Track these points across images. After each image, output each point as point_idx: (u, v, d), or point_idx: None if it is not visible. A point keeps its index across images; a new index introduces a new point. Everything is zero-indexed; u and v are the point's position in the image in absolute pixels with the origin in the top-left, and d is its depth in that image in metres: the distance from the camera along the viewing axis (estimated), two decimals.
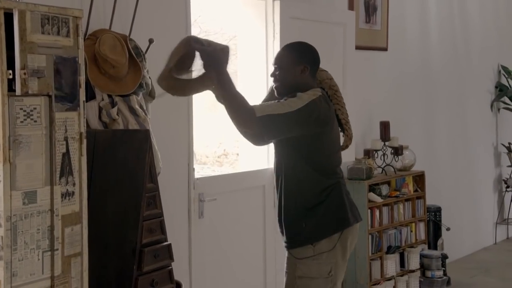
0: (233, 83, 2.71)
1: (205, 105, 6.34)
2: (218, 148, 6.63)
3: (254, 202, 4.18)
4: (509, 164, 6.94)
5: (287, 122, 2.68)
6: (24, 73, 2.07)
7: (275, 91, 2.91)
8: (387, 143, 5.06)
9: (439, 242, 5.51)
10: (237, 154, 5.03)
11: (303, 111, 2.68)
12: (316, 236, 2.77)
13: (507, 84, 7.07)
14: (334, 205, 2.80)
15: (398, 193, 5.05)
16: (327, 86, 2.94)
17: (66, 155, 2.22)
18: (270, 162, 4.25)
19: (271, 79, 4.24)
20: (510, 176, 6.93)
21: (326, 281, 2.77)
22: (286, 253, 2.89)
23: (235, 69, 4.75)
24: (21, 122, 2.08)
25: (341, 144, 2.98)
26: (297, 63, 2.83)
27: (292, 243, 2.83)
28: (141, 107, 3.04)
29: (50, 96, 2.16)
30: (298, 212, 2.81)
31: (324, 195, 2.79)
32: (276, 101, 2.80)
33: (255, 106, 2.71)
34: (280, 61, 2.88)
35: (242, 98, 2.69)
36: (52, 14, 2.18)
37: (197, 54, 2.69)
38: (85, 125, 2.32)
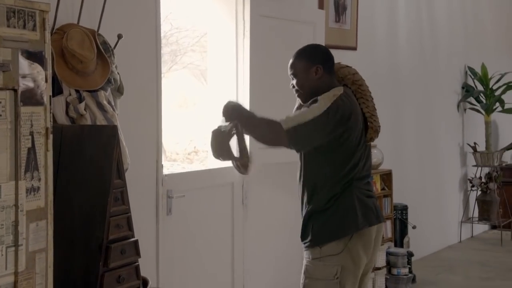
0: (254, 114, 2.83)
1: (176, 102, 6.32)
2: (189, 145, 6.62)
3: (223, 199, 4.19)
4: (475, 164, 7.07)
5: (313, 130, 2.72)
6: None
7: (299, 99, 2.94)
8: None
9: (405, 240, 5.59)
10: (207, 151, 5.03)
11: (326, 116, 2.71)
12: (322, 239, 2.79)
13: (473, 85, 7.19)
14: (342, 209, 2.79)
15: None
16: (349, 81, 2.95)
17: (32, 150, 2.20)
18: None
19: (241, 77, 4.32)
20: (475, 175, 7.05)
21: (331, 283, 2.76)
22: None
23: (205, 66, 4.74)
24: None
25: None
26: (309, 67, 2.87)
27: (304, 243, 2.87)
28: (109, 102, 3.02)
29: (15, 90, 2.14)
30: (310, 213, 2.84)
31: (334, 200, 2.80)
32: (301, 110, 2.82)
33: (281, 120, 2.74)
34: (293, 69, 2.91)
35: (267, 119, 2.77)
36: (18, 7, 2.15)
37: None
38: (52, 120, 2.30)
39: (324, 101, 2.75)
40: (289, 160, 4.59)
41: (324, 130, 2.74)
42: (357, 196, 2.82)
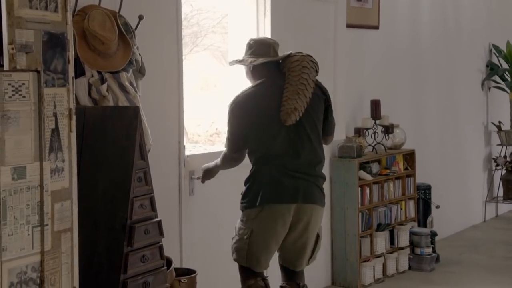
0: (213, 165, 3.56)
1: (197, 84, 6.32)
2: (210, 127, 6.62)
3: (244, 180, 4.19)
4: (499, 142, 6.99)
5: (235, 140, 3.29)
6: (12, 48, 2.06)
7: None
8: (377, 122, 5.08)
9: (429, 219, 5.56)
10: None
11: (230, 126, 3.29)
12: (242, 206, 3.30)
13: (498, 63, 7.09)
14: (256, 184, 3.23)
15: (388, 171, 5.08)
16: (286, 69, 3.26)
17: (55, 131, 2.22)
18: None
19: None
20: (499, 154, 6.98)
21: (243, 242, 3.27)
22: None
23: (226, 48, 4.73)
24: (10, 97, 2.07)
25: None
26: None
27: None
28: (131, 84, 3.04)
29: (38, 72, 2.15)
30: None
31: (253, 175, 3.26)
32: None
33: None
34: None
35: (222, 157, 3.46)
36: None
37: None
38: (74, 101, 2.31)
39: (228, 108, 3.30)
40: None
41: (240, 137, 3.26)
42: (272, 174, 3.20)
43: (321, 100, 3.32)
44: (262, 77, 3.29)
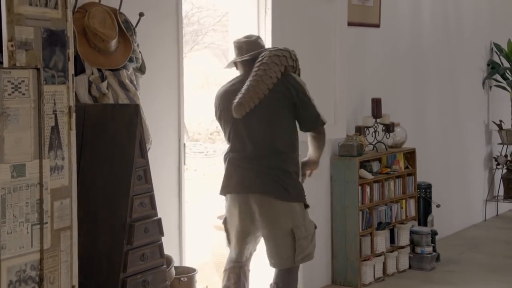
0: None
1: (198, 82, 6.32)
2: (211, 125, 6.63)
3: None
4: (500, 141, 6.98)
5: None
6: (12, 45, 2.05)
7: None
8: (378, 120, 5.06)
9: (429, 218, 5.55)
10: None
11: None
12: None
13: (499, 62, 7.07)
14: (224, 175, 3.41)
15: (389, 170, 5.07)
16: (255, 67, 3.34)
17: (55, 128, 2.21)
18: None
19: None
20: (500, 153, 6.97)
21: (225, 225, 3.48)
22: None
23: (227, 46, 4.73)
24: (9, 94, 2.07)
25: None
26: None
27: None
28: (131, 81, 3.03)
29: (38, 69, 2.14)
30: None
31: (225, 166, 3.43)
32: None
33: None
34: None
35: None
36: None
37: None
38: (74, 99, 2.30)
39: None
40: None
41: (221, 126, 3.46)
42: (228, 166, 3.39)
43: (282, 98, 3.28)
44: (241, 74, 3.44)
